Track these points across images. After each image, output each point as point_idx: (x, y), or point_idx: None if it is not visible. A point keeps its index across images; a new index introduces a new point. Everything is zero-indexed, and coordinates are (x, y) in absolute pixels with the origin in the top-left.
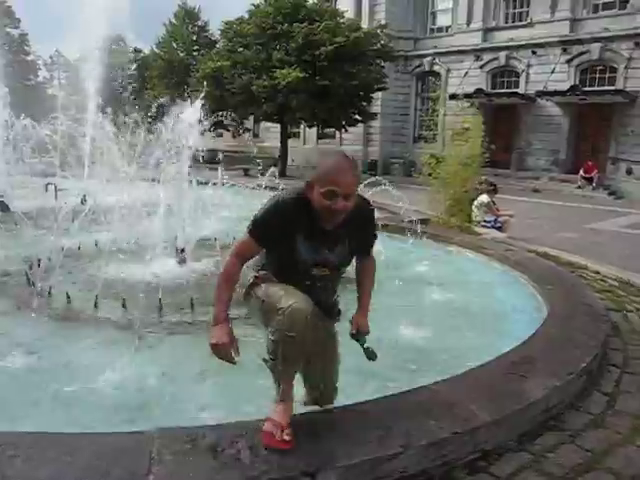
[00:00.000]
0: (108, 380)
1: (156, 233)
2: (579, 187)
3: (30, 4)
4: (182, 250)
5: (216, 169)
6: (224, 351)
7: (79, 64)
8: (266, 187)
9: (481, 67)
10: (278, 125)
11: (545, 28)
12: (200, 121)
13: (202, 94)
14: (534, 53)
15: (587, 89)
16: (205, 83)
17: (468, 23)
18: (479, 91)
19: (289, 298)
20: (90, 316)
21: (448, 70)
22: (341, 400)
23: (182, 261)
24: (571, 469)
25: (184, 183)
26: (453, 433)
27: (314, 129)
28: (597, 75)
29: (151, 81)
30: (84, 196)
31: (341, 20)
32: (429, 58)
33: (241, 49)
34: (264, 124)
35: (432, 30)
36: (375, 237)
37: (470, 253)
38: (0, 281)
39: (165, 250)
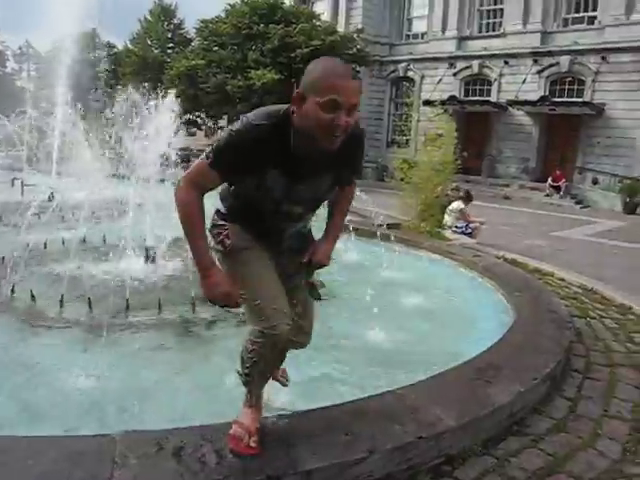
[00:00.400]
0: (71, 382)
1: (125, 231)
2: (547, 195)
3: None
4: (151, 249)
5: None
6: (225, 299)
7: (50, 56)
8: None
9: (455, 75)
10: None
11: (517, 39)
12: (173, 119)
13: (175, 92)
14: (506, 63)
15: (556, 100)
16: (179, 81)
17: (443, 31)
18: (452, 98)
19: (272, 312)
20: (55, 316)
21: (422, 76)
22: (307, 404)
23: (151, 260)
24: (533, 473)
25: (155, 181)
26: (418, 438)
27: None
28: (566, 87)
29: (124, 77)
30: (52, 192)
31: (317, 23)
32: (404, 64)
33: (216, 48)
34: None
35: (407, 36)
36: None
37: (439, 258)
38: None
39: (134, 249)
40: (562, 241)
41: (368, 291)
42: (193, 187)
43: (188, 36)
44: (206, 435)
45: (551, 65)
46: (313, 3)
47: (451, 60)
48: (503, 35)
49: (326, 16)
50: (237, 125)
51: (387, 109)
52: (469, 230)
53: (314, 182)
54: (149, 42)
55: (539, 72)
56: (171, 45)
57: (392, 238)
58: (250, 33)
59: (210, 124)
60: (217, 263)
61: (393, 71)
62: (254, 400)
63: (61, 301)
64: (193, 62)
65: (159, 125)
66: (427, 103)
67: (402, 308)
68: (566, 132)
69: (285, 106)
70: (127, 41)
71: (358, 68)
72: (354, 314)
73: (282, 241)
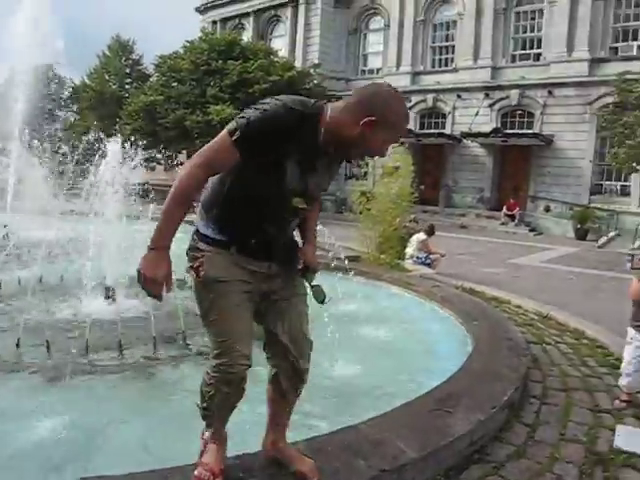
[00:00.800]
0: (27, 428)
1: (84, 270)
2: (503, 223)
3: None
4: (111, 288)
5: (148, 203)
6: (156, 284)
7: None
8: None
9: (410, 108)
10: None
11: (468, 74)
12: (131, 157)
13: (132, 128)
14: (459, 97)
15: (508, 132)
16: (138, 116)
17: (397, 66)
18: (408, 131)
19: (233, 352)
20: (10, 361)
21: None
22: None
23: (111, 299)
24: None
25: (114, 218)
26: (381, 471)
27: None
28: (517, 119)
29: (82, 112)
30: (6, 232)
31: (275, 59)
32: None
33: (175, 84)
34: None
35: (363, 71)
36: None
37: (399, 290)
38: None
39: (93, 288)
40: (518, 268)
41: (328, 324)
42: (205, 167)
43: (147, 72)
44: (168, 478)
45: (502, 99)
46: (271, 40)
47: (406, 94)
48: (455, 70)
49: (284, 52)
50: (270, 105)
51: None
52: (428, 261)
53: (320, 178)
54: (107, 77)
55: (491, 105)
56: (129, 80)
57: (352, 271)
58: (209, 69)
59: (168, 160)
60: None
61: None
62: (217, 436)
63: (17, 344)
64: (152, 98)
65: (116, 161)
66: None
67: (363, 341)
68: (518, 162)
69: (314, 100)
70: (84, 76)
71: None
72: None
73: (273, 254)
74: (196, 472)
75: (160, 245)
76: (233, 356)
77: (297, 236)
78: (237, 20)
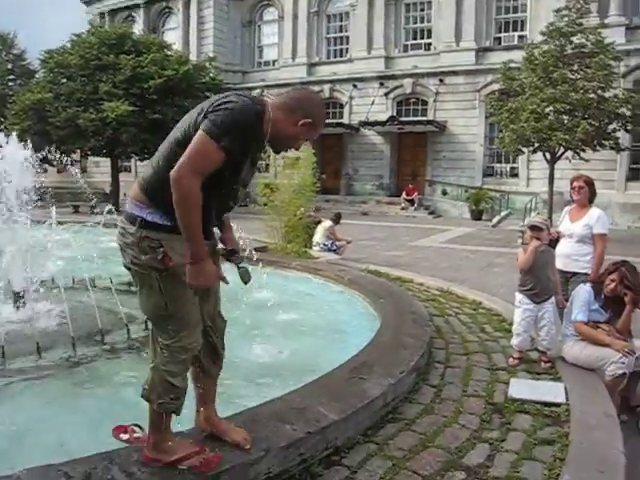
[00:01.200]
0: None
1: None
2: (403, 208)
3: None
4: (20, 293)
5: (44, 207)
6: (211, 284)
7: None
8: (105, 225)
9: None
10: (107, 159)
11: (363, 64)
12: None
13: (20, 128)
14: (355, 86)
15: (403, 119)
16: (26, 116)
17: (293, 58)
18: None
19: (196, 332)
20: None
21: None
22: None
23: (21, 305)
24: (409, 450)
25: (16, 223)
26: (307, 433)
27: (146, 162)
28: (411, 107)
29: None
30: None
31: (169, 53)
32: (257, 90)
33: (64, 80)
34: (92, 158)
35: (259, 64)
36: None
37: (308, 276)
38: None
39: (0, 295)
40: (419, 250)
41: (245, 312)
42: (197, 175)
43: (31, 67)
44: (113, 459)
45: (396, 87)
46: (163, 33)
47: (303, 85)
48: (350, 61)
49: (177, 45)
50: (234, 102)
51: None
52: (335, 247)
53: (254, 169)
54: None
55: (386, 94)
56: (12, 77)
57: (260, 261)
58: (100, 64)
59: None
60: (139, 279)
61: None
62: (169, 430)
63: None
64: (40, 95)
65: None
66: None
67: (278, 325)
68: (415, 148)
69: (261, 98)
70: None
71: (212, 96)
72: (234, 334)
73: (209, 238)
74: (191, 462)
75: (201, 257)
76: (196, 336)
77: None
78: (126, 12)
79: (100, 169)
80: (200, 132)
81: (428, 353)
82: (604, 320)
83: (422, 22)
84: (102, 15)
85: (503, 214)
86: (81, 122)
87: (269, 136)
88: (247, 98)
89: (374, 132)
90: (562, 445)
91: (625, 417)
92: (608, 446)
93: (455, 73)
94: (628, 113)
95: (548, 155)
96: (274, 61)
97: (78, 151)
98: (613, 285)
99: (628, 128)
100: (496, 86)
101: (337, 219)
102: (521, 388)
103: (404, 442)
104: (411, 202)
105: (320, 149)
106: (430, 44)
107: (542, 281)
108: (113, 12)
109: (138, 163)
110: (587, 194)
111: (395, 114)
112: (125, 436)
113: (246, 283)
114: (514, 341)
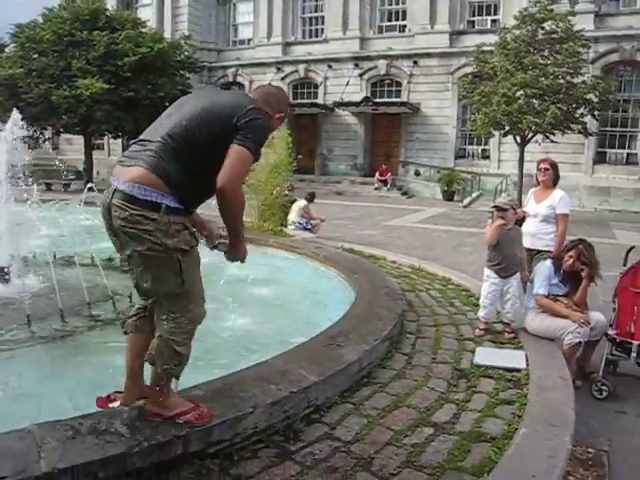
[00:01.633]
0: None
1: None
2: (376, 189)
3: None
4: (5, 269)
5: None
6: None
7: None
8: (86, 203)
9: (282, 79)
10: (80, 136)
11: (338, 45)
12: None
13: None
14: (330, 67)
15: (378, 100)
16: None
17: (269, 37)
18: None
19: (203, 301)
20: None
21: (251, 81)
22: (196, 381)
23: (5, 280)
24: (383, 409)
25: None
26: (290, 392)
27: (119, 140)
28: (386, 88)
29: None
30: None
31: (143, 30)
32: (233, 69)
33: (36, 56)
34: (64, 136)
35: (235, 42)
36: None
37: (285, 253)
38: None
39: None
40: (392, 229)
41: (225, 287)
42: (241, 185)
43: (0, 42)
44: (114, 415)
45: (370, 68)
46: (137, 9)
47: (278, 65)
48: (325, 41)
49: (152, 23)
50: (262, 118)
51: None
52: (309, 226)
53: None
54: None
55: (360, 75)
56: None
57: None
58: (73, 40)
59: (36, 136)
60: (153, 259)
61: (222, 76)
62: (169, 391)
63: None
64: (11, 71)
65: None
66: None
67: (257, 299)
68: (388, 130)
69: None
70: None
71: (187, 75)
72: (215, 308)
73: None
74: (189, 417)
75: (241, 237)
76: (203, 308)
77: None
78: None
79: (72, 146)
80: (243, 149)
81: (400, 324)
82: (563, 293)
83: (397, 4)
84: None
85: (474, 195)
86: (54, 99)
87: None
88: (262, 109)
89: (348, 112)
90: (521, 404)
91: (580, 383)
92: (561, 404)
93: (429, 55)
94: (595, 99)
95: (518, 138)
96: (249, 40)
97: (50, 128)
98: (571, 261)
99: (595, 114)
100: (469, 69)
101: (311, 198)
102: (486, 356)
103: (378, 402)
104: (384, 182)
105: (295, 129)
106: (405, 26)
107: (508, 257)
108: None
109: (111, 141)
110: (552, 176)
111: (369, 95)
112: (115, 403)
113: (233, 261)
114: (480, 313)
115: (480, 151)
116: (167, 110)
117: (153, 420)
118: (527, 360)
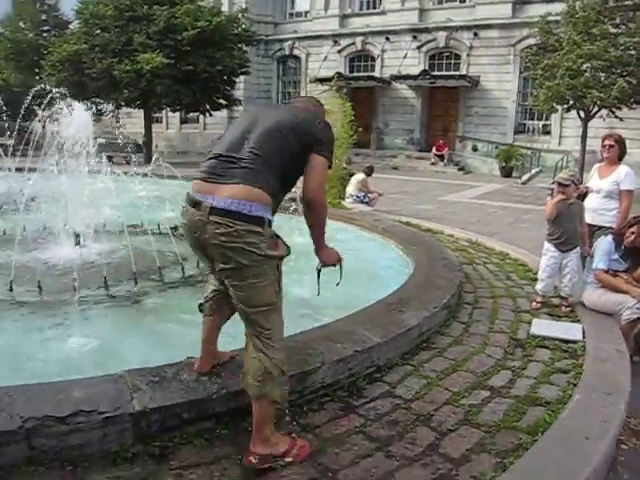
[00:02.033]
0: (51, 350)
1: (51, 220)
2: (432, 164)
3: None
4: (80, 235)
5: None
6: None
7: None
8: (152, 175)
9: (339, 52)
10: (140, 110)
11: (396, 16)
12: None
13: (57, 79)
14: (387, 39)
15: (436, 73)
16: (62, 67)
17: (326, 9)
18: (338, 75)
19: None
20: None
21: (308, 54)
22: None
23: (80, 245)
24: (441, 372)
25: (76, 172)
26: (355, 351)
27: (177, 114)
28: (444, 61)
29: None
30: None
31: (202, 4)
32: (289, 42)
33: (99, 32)
34: (124, 109)
35: (291, 15)
36: None
37: (343, 225)
38: None
39: (63, 236)
40: (448, 204)
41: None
42: (325, 192)
43: (65, 18)
44: (191, 366)
45: (429, 41)
46: None
47: (335, 38)
48: (383, 13)
49: None
50: (327, 124)
51: (276, 88)
52: (367, 199)
53: None
54: (22, 25)
55: (418, 47)
56: (47, 28)
57: (296, 210)
58: (134, 15)
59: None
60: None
61: (279, 50)
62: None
63: (10, 286)
64: (75, 47)
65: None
66: (320, 80)
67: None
68: (446, 103)
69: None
70: None
71: (244, 48)
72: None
73: None
74: (291, 456)
75: (325, 244)
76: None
77: None
78: None
79: (132, 120)
80: (324, 159)
81: (458, 295)
82: (623, 269)
83: None
84: None
85: (533, 172)
86: (116, 73)
87: None
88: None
89: (406, 86)
90: (576, 373)
91: (638, 359)
92: (616, 375)
93: (490, 26)
94: None
95: (582, 113)
96: (306, 12)
97: (112, 102)
98: (633, 237)
99: None
100: (532, 40)
101: (369, 172)
102: (542, 327)
103: (436, 366)
104: (441, 157)
105: (351, 102)
106: None
107: (568, 231)
108: None
109: (169, 114)
110: (617, 152)
111: (427, 68)
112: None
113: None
114: (538, 286)
115: (541, 126)
116: (237, 125)
117: (262, 467)
118: (584, 333)
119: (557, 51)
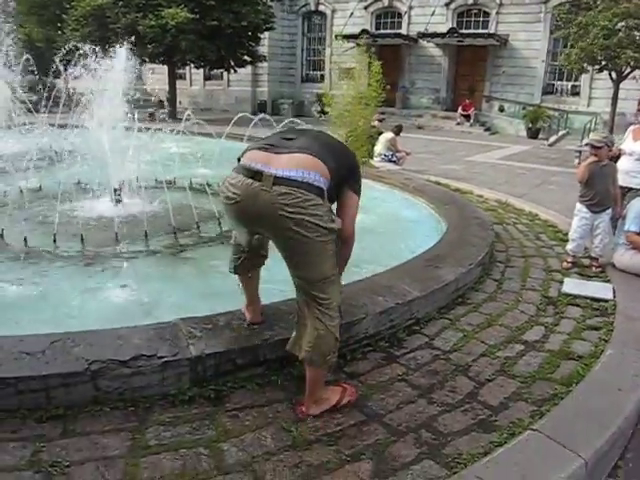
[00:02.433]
0: (97, 299)
1: (92, 176)
2: (458, 124)
3: None
4: (118, 190)
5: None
6: None
7: None
8: (184, 132)
9: (365, 8)
10: (162, 66)
11: None
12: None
13: (81, 34)
14: None
15: (464, 32)
16: (86, 22)
17: None
18: (364, 32)
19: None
20: (52, 251)
21: (334, 10)
22: None
23: (118, 201)
24: (477, 326)
25: (114, 128)
26: (396, 304)
27: (201, 70)
28: (472, 19)
29: (18, 17)
30: None
31: None
32: None
33: None
34: (148, 65)
35: None
36: None
37: (373, 183)
38: None
39: (102, 191)
40: (475, 165)
41: None
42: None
43: None
44: (240, 315)
45: None
46: None
47: None
48: None
49: None
50: (354, 154)
51: (300, 44)
52: (395, 159)
53: None
54: None
55: (447, 4)
56: None
57: None
58: None
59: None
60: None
61: (304, 5)
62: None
63: (54, 240)
64: (99, 1)
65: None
66: (346, 37)
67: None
68: (474, 62)
69: None
70: None
71: (269, 3)
72: None
73: None
74: (345, 403)
75: None
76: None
77: None
78: None
79: (155, 76)
80: (357, 197)
81: (490, 253)
82: None
83: None
84: None
85: (561, 133)
86: (140, 29)
87: None
88: None
89: (433, 44)
90: (607, 330)
91: None
92: None
93: None
94: None
95: (614, 74)
96: None
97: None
98: None
99: None
100: None
101: (398, 131)
102: (574, 286)
103: (472, 320)
104: (467, 117)
105: (377, 60)
106: None
107: (600, 193)
108: None
109: (193, 70)
110: None
111: (455, 26)
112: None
113: None
114: (569, 246)
115: (570, 87)
116: (282, 133)
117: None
118: (614, 293)
119: (591, 9)
